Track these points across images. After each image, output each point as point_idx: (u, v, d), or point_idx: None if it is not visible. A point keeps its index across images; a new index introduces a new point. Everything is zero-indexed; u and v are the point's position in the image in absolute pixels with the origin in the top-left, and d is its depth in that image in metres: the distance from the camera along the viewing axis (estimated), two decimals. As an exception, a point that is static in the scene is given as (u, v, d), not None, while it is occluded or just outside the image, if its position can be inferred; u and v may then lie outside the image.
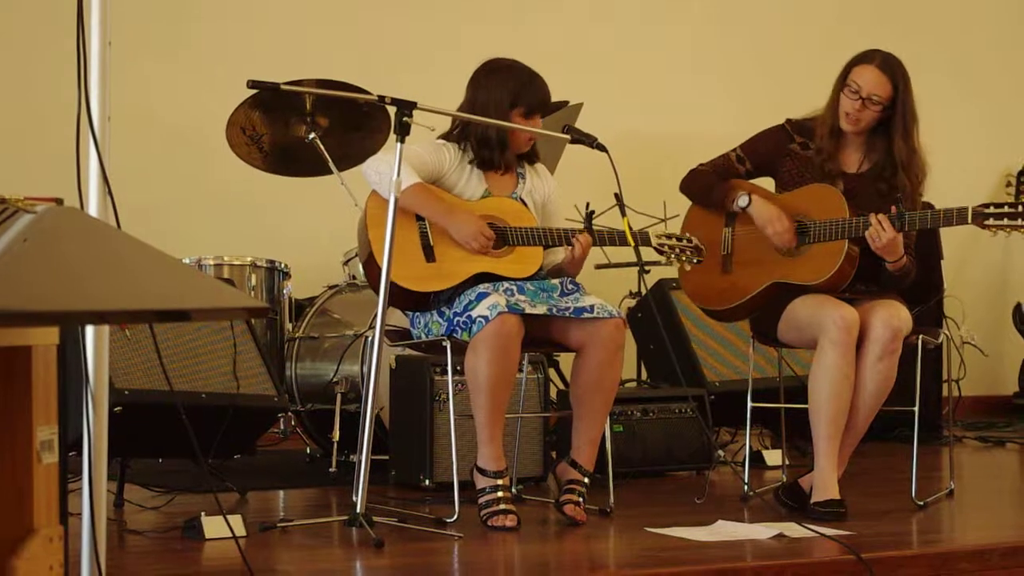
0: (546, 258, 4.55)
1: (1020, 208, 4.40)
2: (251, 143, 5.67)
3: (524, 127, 4.46)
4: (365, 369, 5.23)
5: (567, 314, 4.33)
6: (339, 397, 5.35)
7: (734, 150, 4.80)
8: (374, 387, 4.09)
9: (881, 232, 4.46)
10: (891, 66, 4.61)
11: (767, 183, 4.81)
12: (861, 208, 4.56)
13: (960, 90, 8.07)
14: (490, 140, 4.49)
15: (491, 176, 4.54)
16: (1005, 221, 4.40)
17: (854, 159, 4.70)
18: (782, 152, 4.74)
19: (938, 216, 4.49)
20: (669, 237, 4.61)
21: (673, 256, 4.58)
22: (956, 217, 4.45)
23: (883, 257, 4.53)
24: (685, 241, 4.60)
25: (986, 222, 4.42)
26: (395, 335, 4.62)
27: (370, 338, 5.01)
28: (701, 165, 4.81)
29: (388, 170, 4.24)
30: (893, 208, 4.50)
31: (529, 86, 4.50)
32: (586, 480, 4.38)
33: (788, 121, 4.77)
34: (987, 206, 4.43)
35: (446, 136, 4.57)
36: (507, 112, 4.46)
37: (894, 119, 4.60)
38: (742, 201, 4.68)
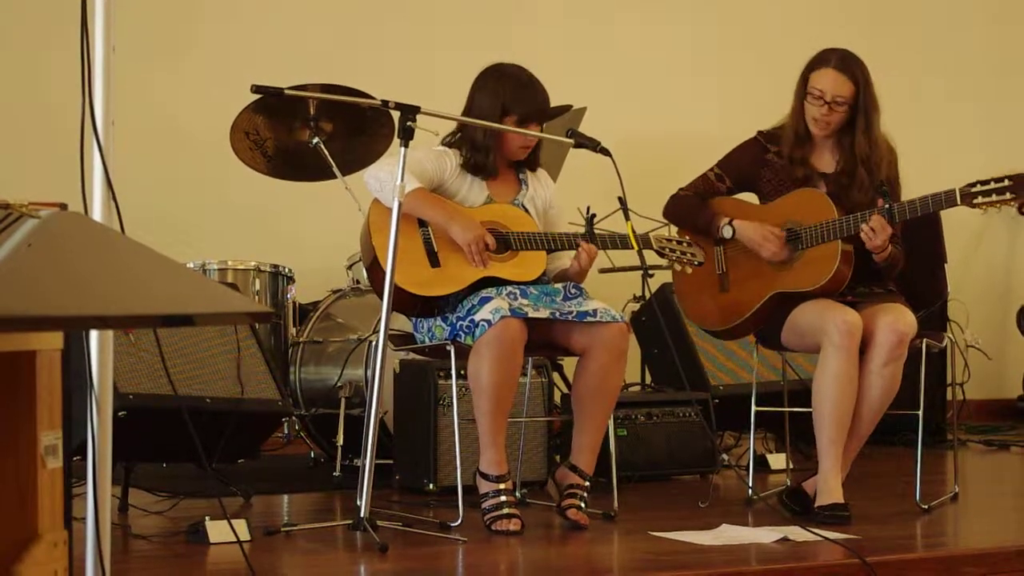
0: (550, 264, 4.55)
1: (1006, 181, 4.38)
2: (255, 148, 5.67)
3: (524, 131, 4.45)
4: (369, 373, 5.22)
5: (570, 318, 4.32)
6: (343, 401, 5.34)
7: (712, 169, 4.80)
8: (378, 391, 4.09)
9: (875, 234, 4.45)
10: (849, 64, 4.60)
11: (750, 197, 4.82)
12: (846, 206, 4.55)
13: (956, 92, 8.06)
14: (478, 144, 4.49)
15: (493, 183, 4.54)
16: (993, 197, 4.39)
17: (828, 160, 4.70)
18: (759, 163, 4.74)
19: (927, 202, 4.46)
20: (670, 240, 4.61)
21: (675, 259, 4.58)
22: (945, 200, 4.43)
23: (871, 250, 4.52)
24: (686, 244, 4.60)
25: (975, 200, 4.40)
26: (399, 339, 4.62)
27: (374, 342, 5.01)
28: (682, 190, 4.80)
29: (388, 177, 4.25)
30: (880, 201, 4.49)
31: (522, 95, 4.46)
32: (587, 484, 4.38)
33: (759, 133, 4.78)
34: (973, 184, 4.41)
35: (447, 142, 4.57)
36: (499, 120, 4.44)
37: (857, 117, 4.60)
38: (726, 232, 4.68)
